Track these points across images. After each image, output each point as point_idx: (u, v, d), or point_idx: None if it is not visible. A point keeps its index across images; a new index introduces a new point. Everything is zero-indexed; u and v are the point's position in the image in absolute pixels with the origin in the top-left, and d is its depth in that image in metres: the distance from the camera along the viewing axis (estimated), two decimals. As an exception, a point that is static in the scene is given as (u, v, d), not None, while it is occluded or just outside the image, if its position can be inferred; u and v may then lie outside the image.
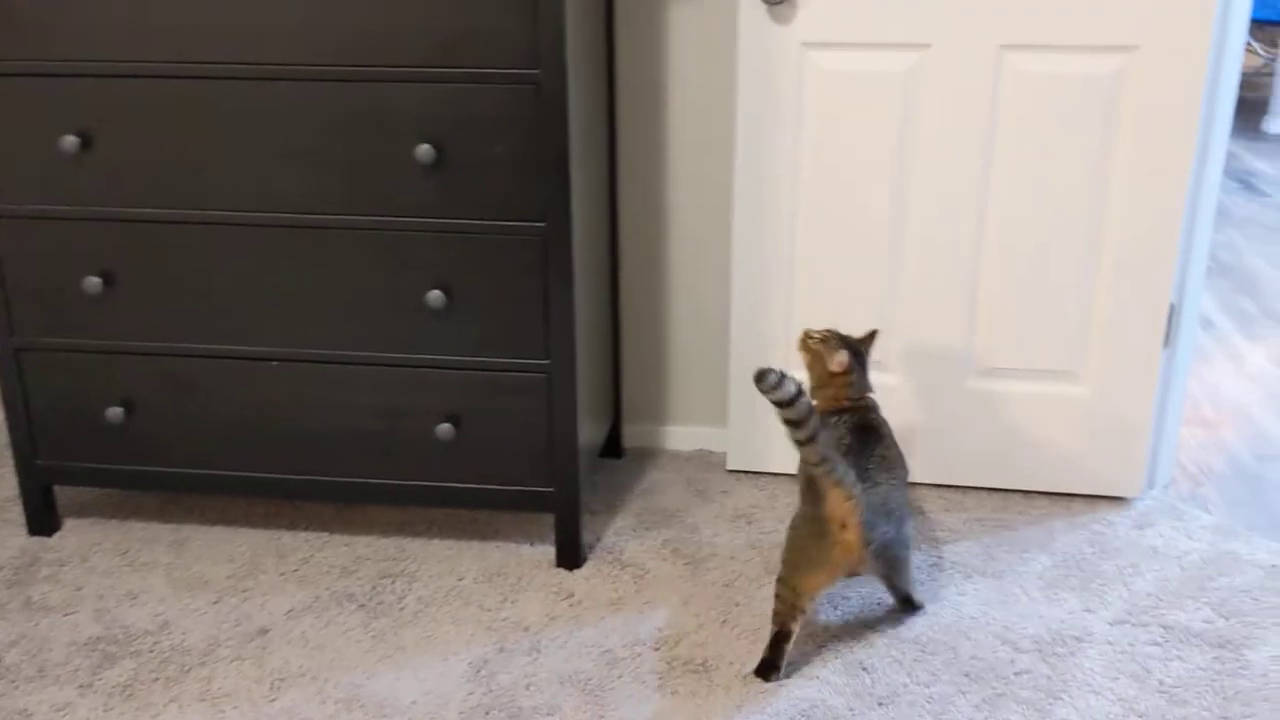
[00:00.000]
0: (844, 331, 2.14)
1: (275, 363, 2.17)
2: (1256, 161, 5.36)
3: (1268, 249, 4.17)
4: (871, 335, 2.17)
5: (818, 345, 2.11)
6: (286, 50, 1.97)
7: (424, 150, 1.98)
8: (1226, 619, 2.08)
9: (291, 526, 2.41)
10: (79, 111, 2.05)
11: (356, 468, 2.22)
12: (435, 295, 2.06)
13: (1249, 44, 7.07)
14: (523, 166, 1.99)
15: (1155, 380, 2.38)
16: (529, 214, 2.01)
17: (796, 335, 2.18)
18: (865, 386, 2.12)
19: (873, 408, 2.11)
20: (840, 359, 2.07)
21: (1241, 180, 5.05)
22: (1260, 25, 7.14)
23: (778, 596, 1.95)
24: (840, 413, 2.08)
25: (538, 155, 1.98)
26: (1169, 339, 2.42)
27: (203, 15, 1.96)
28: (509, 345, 2.10)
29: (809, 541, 1.92)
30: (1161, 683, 1.92)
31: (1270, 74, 6.32)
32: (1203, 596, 2.15)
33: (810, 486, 1.91)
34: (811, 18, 2.25)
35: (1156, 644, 2.01)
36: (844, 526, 1.88)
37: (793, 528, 1.97)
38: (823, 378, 2.11)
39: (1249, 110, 6.23)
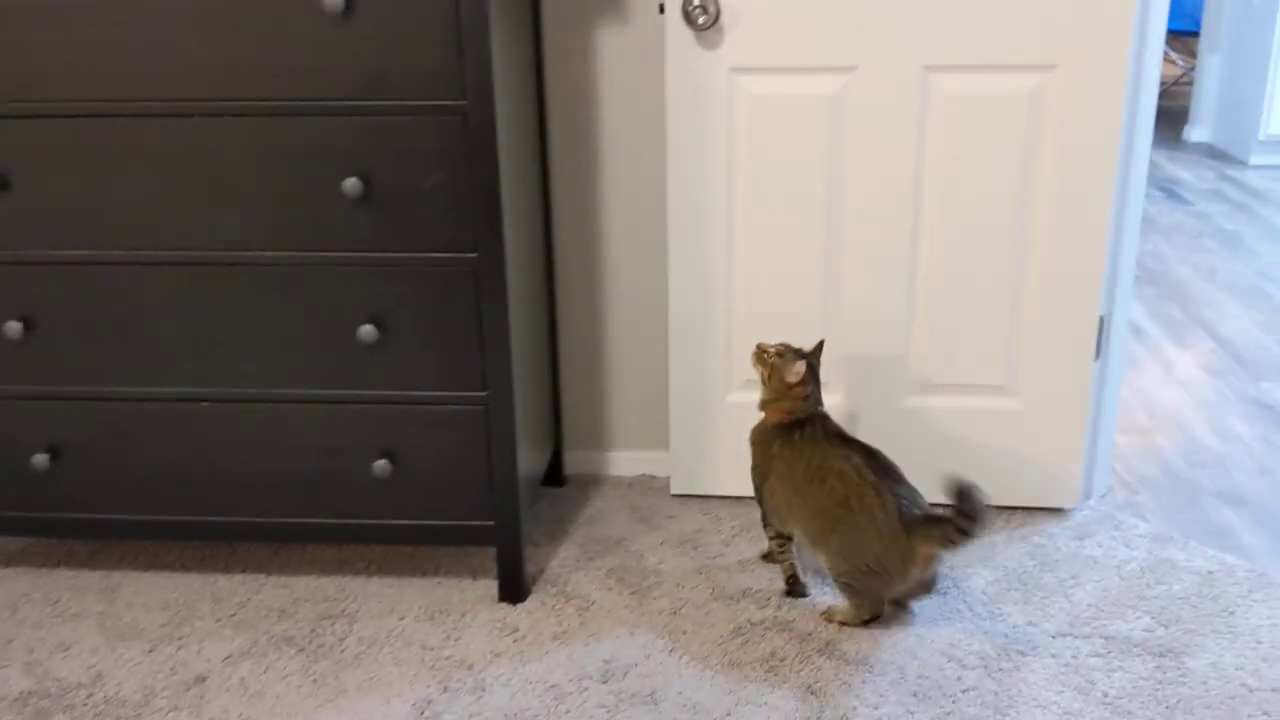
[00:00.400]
0: (795, 345, 2.19)
1: (205, 403, 2.12)
2: (1179, 170, 5.48)
3: (1193, 256, 4.26)
4: (819, 346, 2.20)
5: (774, 359, 2.15)
6: (210, 87, 1.94)
7: (352, 184, 1.95)
8: (1166, 627, 2.10)
9: (227, 569, 2.35)
10: (-7, 153, 1.99)
11: (292, 507, 2.18)
12: (368, 330, 2.03)
13: (1167, 54, 7.24)
14: (453, 197, 1.97)
15: (1088, 391, 2.41)
16: (461, 245, 1.99)
17: (749, 350, 2.21)
18: (819, 398, 2.17)
19: (827, 415, 2.18)
20: (798, 368, 2.12)
21: (1165, 189, 5.16)
22: (1178, 36, 7.32)
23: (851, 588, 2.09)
24: (800, 425, 2.14)
25: (468, 186, 1.96)
26: (1100, 350, 2.45)
27: (124, 52, 1.92)
28: (445, 377, 2.07)
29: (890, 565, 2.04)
30: (1105, 694, 1.94)
31: (1189, 83, 6.47)
32: (1142, 605, 2.17)
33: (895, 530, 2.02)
34: (739, 42, 2.26)
35: (1099, 655, 2.03)
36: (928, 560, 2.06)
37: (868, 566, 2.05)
38: (779, 390, 2.15)
39: (1170, 119, 6.38)
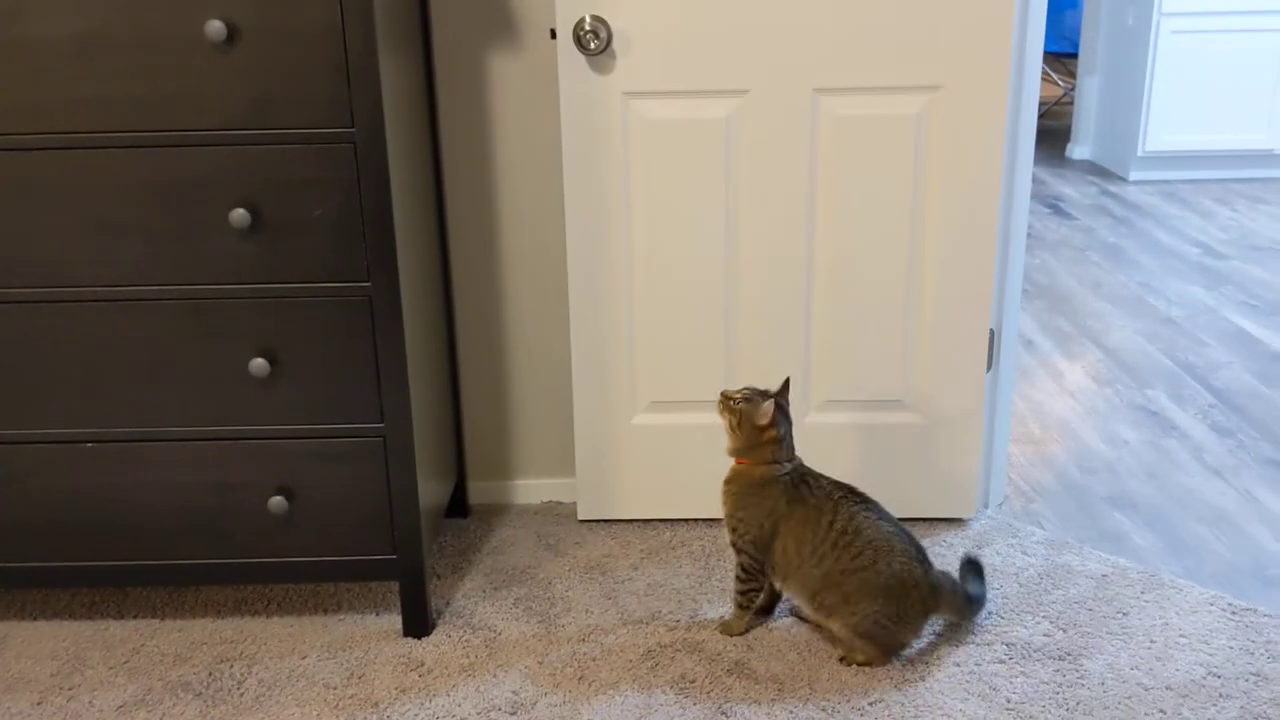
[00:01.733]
0: (760, 387, 2.12)
1: (90, 444, 2.05)
2: (1063, 187, 5.66)
3: (1079, 269, 4.39)
4: (785, 385, 2.11)
5: (741, 404, 2.06)
6: (90, 118, 1.88)
7: (239, 215, 1.91)
8: (1064, 631, 2.15)
9: (119, 615, 2.27)
10: None
11: (186, 549, 2.11)
12: (259, 363, 1.98)
13: (1049, 75, 7.49)
14: (344, 227, 1.94)
15: (981, 403, 2.46)
16: (353, 275, 1.96)
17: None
18: (792, 440, 2.09)
19: (804, 467, 2.11)
20: (765, 409, 2.03)
21: (1051, 205, 5.32)
22: (1058, 57, 7.57)
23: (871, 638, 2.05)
24: (804, 481, 2.07)
25: (360, 215, 1.93)
26: (991, 362, 2.51)
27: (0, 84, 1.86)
28: (340, 410, 2.03)
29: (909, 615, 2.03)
30: (1008, 700, 1.97)
31: (1070, 103, 6.69)
32: (1040, 611, 2.22)
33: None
34: (631, 67, 2.27)
35: (1001, 661, 2.06)
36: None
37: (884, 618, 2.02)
38: (751, 437, 2.06)
39: (1053, 138, 6.58)
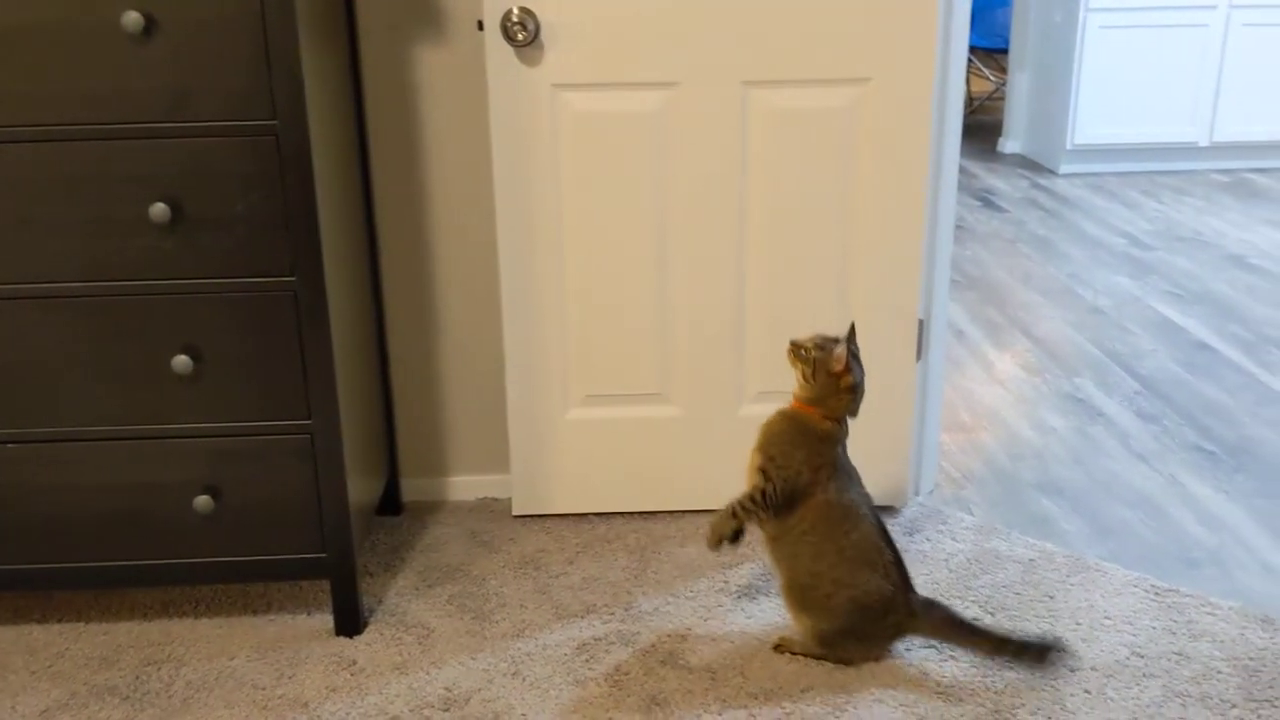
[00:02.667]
0: (830, 334, 2.03)
1: (10, 445, 2.00)
2: (994, 180, 5.74)
3: (1009, 261, 4.46)
4: (852, 330, 2.01)
5: (815, 353, 1.96)
6: (3, 112, 1.84)
7: (160, 209, 1.88)
8: (993, 615, 2.18)
9: (42, 619, 2.22)
10: None
11: (109, 551, 2.07)
12: (181, 360, 1.94)
13: (980, 70, 7.58)
14: (268, 220, 1.91)
15: (912, 392, 2.49)
16: (278, 269, 1.94)
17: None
18: (861, 390, 1.99)
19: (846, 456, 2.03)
20: (839, 353, 1.94)
21: (982, 198, 5.39)
22: (990, 53, 7.68)
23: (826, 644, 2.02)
24: (839, 452, 1.99)
25: (283, 208, 1.91)
26: (921, 352, 2.54)
27: (-103, 75, 1.81)
28: (267, 407, 2.00)
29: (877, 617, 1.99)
30: (938, 684, 2.00)
31: (1001, 98, 6.79)
32: (970, 596, 2.25)
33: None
34: (560, 59, 2.26)
35: (932, 647, 2.09)
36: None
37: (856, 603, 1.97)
38: (827, 387, 1.96)
39: (985, 132, 6.68)
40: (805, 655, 2.05)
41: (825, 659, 2.04)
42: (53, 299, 1.93)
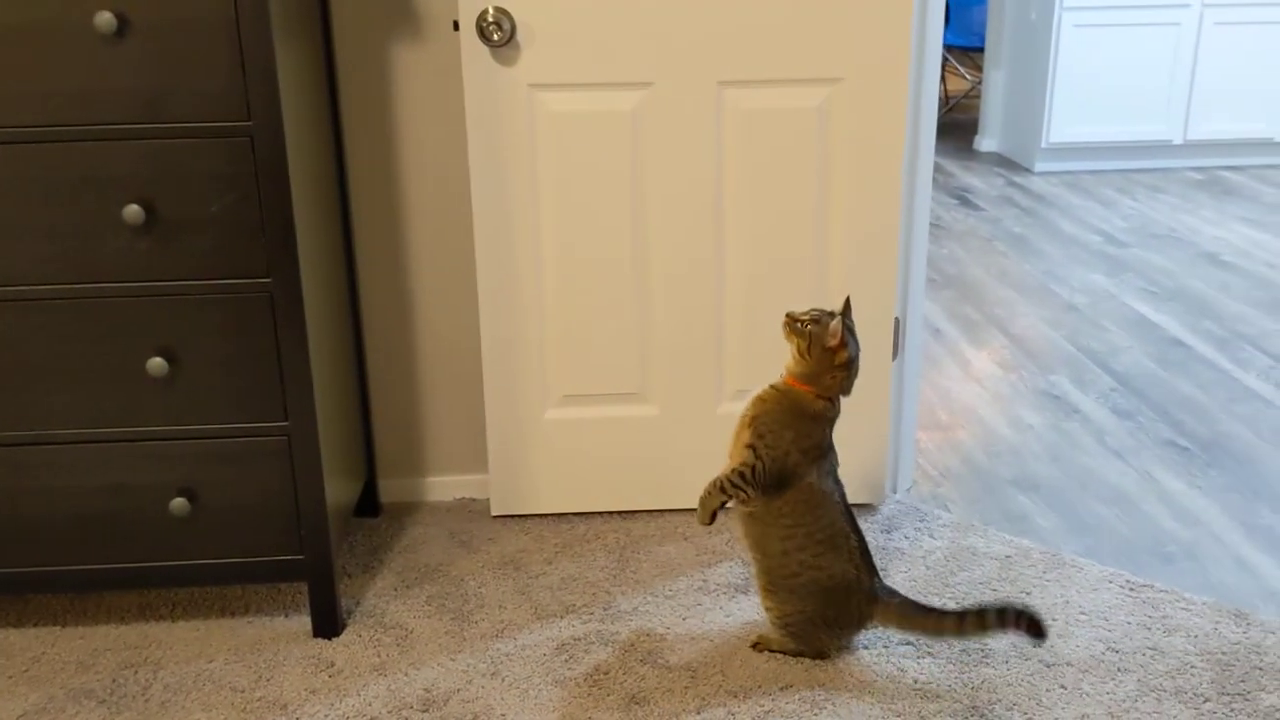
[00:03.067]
0: (826, 308, 2.00)
1: (3, 448, 1.99)
2: (970, 178, 5.77)
3: (985, 259, 4.48)
4: (847, 304, 2.00)
5: (811, 326, 1.92)
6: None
7: (134, 211, 1.87)
8: (970, 611, 2.19)
9: (19, 624, 2.21)
10: None
11: (85, 554, 2.06)
12: (157, 362, 1.94)
13: (956, 69, 7.62)
14: (243, 222, 1.90)
15: (888, 390, 2.50)
16: (253, 270, 1.93)
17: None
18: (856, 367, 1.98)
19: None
20: (834, 327, 1.91)
21: (958, 197, 5.42)
22: (965, 52, 7.72)
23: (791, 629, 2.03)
24: (828, 434, 1.97)
25: (259, 209, 1.90)
26: (897, 350, 2.55)
27: None
28: (243, 409, 1.99)
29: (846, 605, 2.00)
30: (915, 680, 2.01)
31: (977, 96, 6.82)
32: (947, 592, 2.26)
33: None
34: (536, 59, 2.26)
35: (909, 644, 2.10)
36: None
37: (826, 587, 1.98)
38: (823, 362, 1.93)
39: (961, 131, 6.71)
40: (782, 652, 2.06)
41: (802, 654, 2.05)
42: (25, 301, 1.92)
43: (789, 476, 1.96)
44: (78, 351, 1.95)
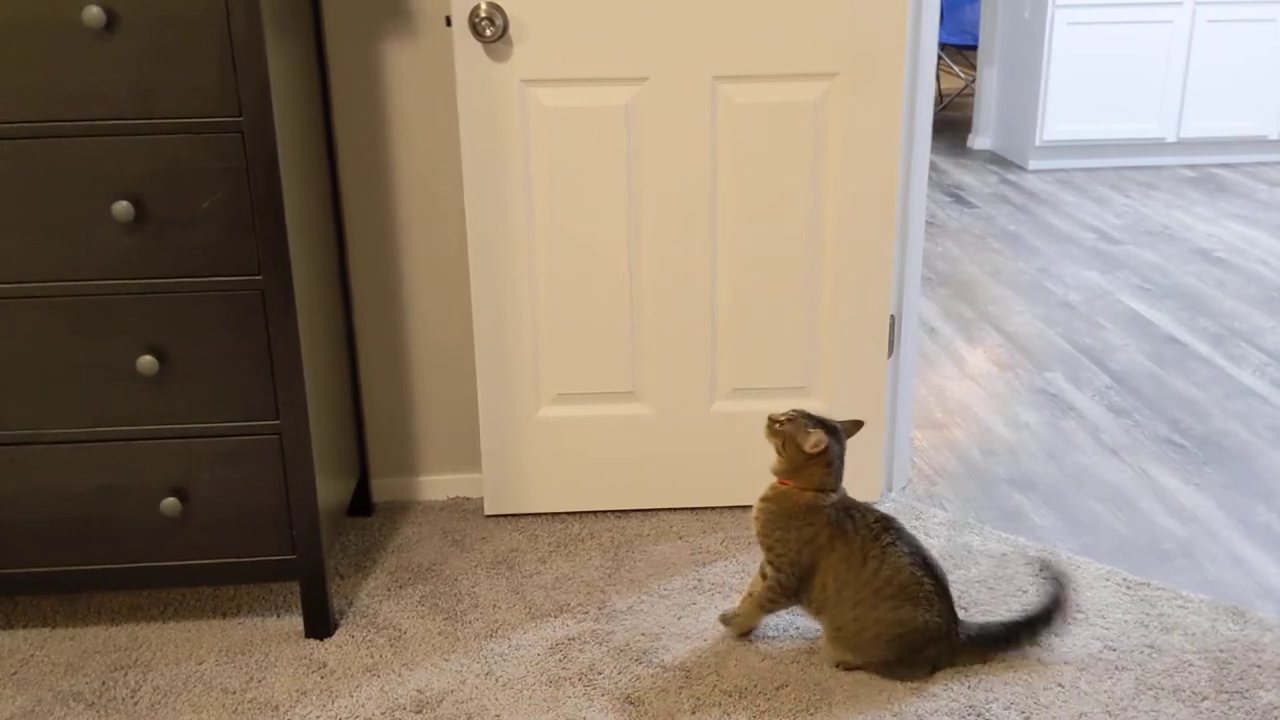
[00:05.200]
0: (812, 409, 2.07)
1: (-29, 449, 1.97)
2: (965, 176, 5.76)
3: (980, 256, 4.48)
4: (854, 424, 2.06)
5: (785, 426, 1.99)
6: (-45, 107, 1.81)
7: (122, 207, 1.85)
8: (966, 610, 2.18)
9: (7, 625, 2.19)
10: None
11: (75, 555, 2.04)
12: (147, 361, 1.92)
13: (950, 67, 7.61)
14: (234, 218, 1.89)
15: (883, 388, 2.49)
16: (244, 268, 1.91)
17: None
18: (841, 470, 2.02)
19: (848, 498, 2.04)
20: (816, 439, 1.96)
21: (952, 194, 5.41)
22: (959, 50, 7.71)
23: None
24: (848, 514, 1.98)
25: (249, 206, 1.88)
26: (893, 348, 2.54)
27: None
28: (234, 408, 1.98)
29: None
30: (912, 680, 1.99)
31: (971, 94, 6.82)
32: (944, 591, 2.25)
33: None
34: (528, 54, 2.24)
35: (905, 642, 2.08)
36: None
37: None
38: (796, 460, 1.99)
39: (955, 129, 6.71)
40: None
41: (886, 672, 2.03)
42: (14, 299, 1.90)
43: (809, 568, 1.99)
44: (67, 350, 1.93)
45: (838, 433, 2.02)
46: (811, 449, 1.97)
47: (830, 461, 2.00)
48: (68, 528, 2.02)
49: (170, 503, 2.00)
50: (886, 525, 1.99)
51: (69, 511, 2.01)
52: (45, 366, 1.94)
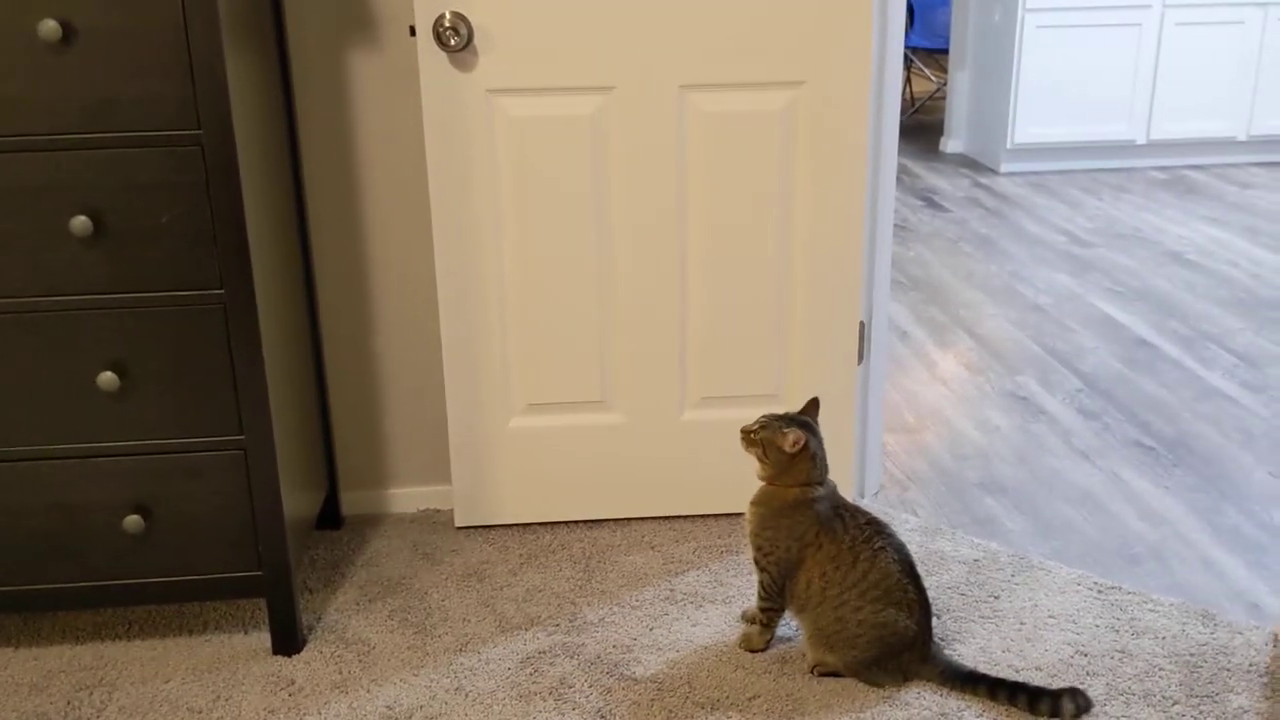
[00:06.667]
0: (779, 411, 2.07)
1: (-72, 468, 1.94)
2: (937, 180, 5.78)
3: (952, 260, 4.49)
4: (812, 404, 2.06)
5: (761, 434, 1.98)
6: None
7: (81, 222, 1.83)
8: (939, 617, 2.18)
9: (-31, 647, 2.16)
10: None
11: (38, 573, 2.01)
12: (107, 377, 1.89)
13: (921, 70, 7.64)
14: (195, 232, 1.86)
15: (853, 394, 2.48)
16: (206, 282, 1.89)
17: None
18: (825, 459, 2.02)
19: (838, 496, 2.03)
20: (794, 436, 1.96)
21: (924, 198, 5.43)
22: (931, 53, 7.74)
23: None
24: (839, 514, 1.97)
25: (210, 220, 1.86)
26: (863, 354, 2.53)
27: None
28: (197, 423, 1.95)
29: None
30: (883, 688, 1.99)
31: (943, 98, 6.84)
32: (915, 598, 2.24)
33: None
34: (494, 64, 2.23)
35: (877, 650, 2.08)
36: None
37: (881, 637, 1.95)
38: (781, 463, 1.98)
39: (927, 132, 6.73)
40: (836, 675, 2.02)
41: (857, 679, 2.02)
42: (-28, 316, 1.88)
43: (795, 564, 1.98)
44: (27, 365, 1.90)
45: (810, 425, 2.02)
46: (792, 447, 1.97)
47: (814, 454, 1.99)
48: (30, 545, 2.00)
49: (133, 519, 1.97)
50: (878, 528, 1.99)
51: (31, 529, 1.99)
52: (5, 382, 1.91)
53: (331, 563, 2.41)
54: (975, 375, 3.37)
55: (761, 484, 2.04)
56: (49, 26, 1.75)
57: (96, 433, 1.95)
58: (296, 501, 2.15)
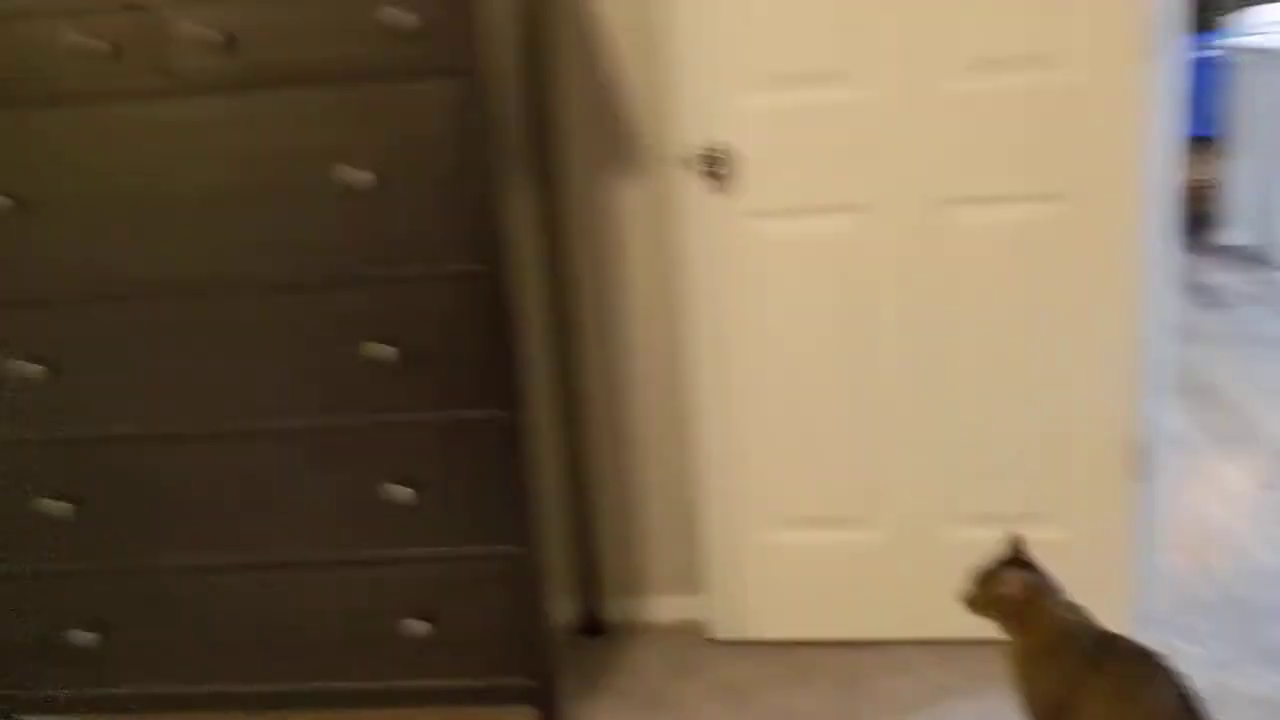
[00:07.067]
0: (979, 562, 1.95)
1: (251, 572, 2.13)
2: (1215, 275, 5.44)
3: (1235, 363, 4.20)
4: (1017, 542, 1.93)
5: (981, 592, 1.88)
6: (238, 262, 2.00)
7: (376, 349, 1.99)
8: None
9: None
10: (36, 339, 2.06)
11: (323, 672, 2.17)
12: (398, 490, 2.04)
13: (1197, 161, 7.26)
14: (478, 357, 2.00)
15: (1128, 512, 2.36)
16: (488, 403, 2.02)
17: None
18: (1056, 587, 1.88)
19: (1100, 627, 1.88)
20: (1011, 577, 1.86)
21: (1202, 295, 5.12)
22: (1199, 140, 7.36)
23: None
24: (1105, 645, 1.84)
25: (490, 348, 1.99)
26: (1141, 470, 2.41)
27: (155, 234, 1.99)
28: (478, 534, 2.07)
29: None
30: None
31: (1215, 187, 6.47)
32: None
33: None
34: (752, 188, 2.30)
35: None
36: None
37: None
38: (1019, 611, 1.87)
39: (1201, 223, 6.36)
40: None
41: None
42: (278, 433, 2.07)
43: (1066, 708, 1.84)
44: (331, 480, 2.08)
45: (1021, 561, 1.89)
46: (1014, 590, 1.85)
47: (1040, 586, 1.87)
48: (319, 648, 2.16)
49: (414, 624, 2.10)
50: (1152, 660, 1.85)
51: (321, 632, 2.15)
52: (311, 497, 2.09)
53: (592, 668, 2.47)
54: (1266, 490, 3.12)
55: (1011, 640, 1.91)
56: (343, 176, 1.93)
57: (386, 541, 2.09)
58: (564, 609, 2.23)
